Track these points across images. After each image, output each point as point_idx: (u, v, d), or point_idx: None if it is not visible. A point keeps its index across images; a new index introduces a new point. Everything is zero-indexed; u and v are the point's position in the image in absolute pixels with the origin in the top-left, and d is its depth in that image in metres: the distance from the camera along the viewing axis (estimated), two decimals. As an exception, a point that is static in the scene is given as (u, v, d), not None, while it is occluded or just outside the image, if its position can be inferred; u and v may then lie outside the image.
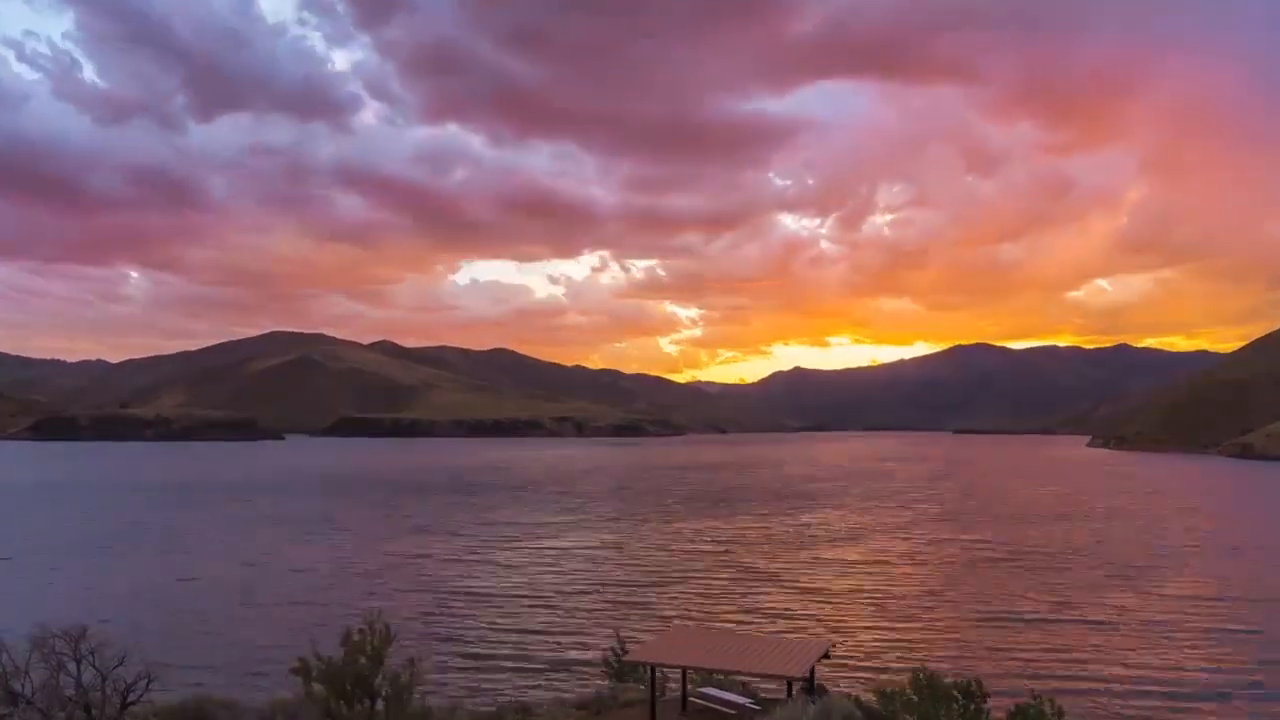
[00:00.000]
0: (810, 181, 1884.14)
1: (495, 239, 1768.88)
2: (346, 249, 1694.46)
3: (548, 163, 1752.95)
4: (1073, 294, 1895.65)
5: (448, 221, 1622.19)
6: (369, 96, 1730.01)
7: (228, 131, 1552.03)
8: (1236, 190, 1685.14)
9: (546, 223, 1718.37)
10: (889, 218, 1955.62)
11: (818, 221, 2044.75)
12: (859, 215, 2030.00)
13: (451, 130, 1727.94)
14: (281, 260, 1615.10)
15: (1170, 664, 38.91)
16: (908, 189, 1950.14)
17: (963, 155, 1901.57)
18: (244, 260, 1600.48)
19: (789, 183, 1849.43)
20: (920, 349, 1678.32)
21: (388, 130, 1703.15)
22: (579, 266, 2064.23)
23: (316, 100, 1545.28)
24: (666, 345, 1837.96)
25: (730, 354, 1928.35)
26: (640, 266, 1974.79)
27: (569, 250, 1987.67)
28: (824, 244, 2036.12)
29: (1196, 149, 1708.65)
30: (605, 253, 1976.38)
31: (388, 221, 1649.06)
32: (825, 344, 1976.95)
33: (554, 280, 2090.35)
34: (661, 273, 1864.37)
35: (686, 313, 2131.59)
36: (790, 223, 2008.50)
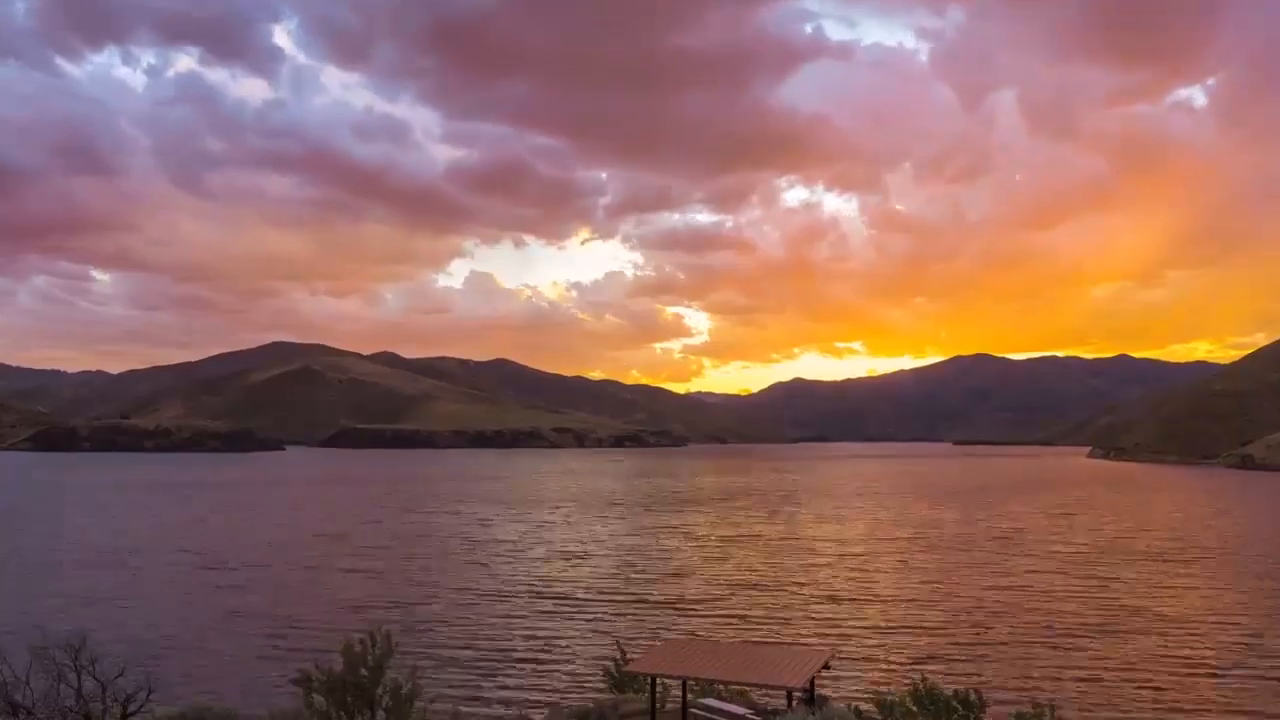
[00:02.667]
0: (827, 144, 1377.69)
1: (473, 223, 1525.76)
2: (312, 239, 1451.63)
3: (514, 129, 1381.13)
4: (1075, 302, 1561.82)
5: (418, 205, 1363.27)
6: (290, 40, 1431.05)
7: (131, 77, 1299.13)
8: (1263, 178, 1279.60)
9: (530, 200, 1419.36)
10: (921, 195, 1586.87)
11: (839, 200, 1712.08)
12: (886, 193, 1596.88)
13: (398, 90, 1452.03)
14: (246, 257, 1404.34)
15: (1174, 674, 38.84)
16: (944, 156, 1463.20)
17: (1019, 107, 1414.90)
18: (202, 254, 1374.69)
19: (801, 147, 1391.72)
20: (921, 360, 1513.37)
21: (320, 87, 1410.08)
22: (575, 265, 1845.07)
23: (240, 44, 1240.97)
24: (667, 352, 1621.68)
25: (734, 364, 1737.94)
26: (641, 262, 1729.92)
27: (559, 234, 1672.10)
28: (844, 226, 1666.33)
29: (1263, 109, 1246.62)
30: (598, 240, 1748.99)
31: (343, 204, 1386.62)
32: (834, 351, 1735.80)
33: (553, 281, 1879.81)
34: (667, 268, 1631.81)
35: (690, 317, 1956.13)
36: (803, 196, 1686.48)
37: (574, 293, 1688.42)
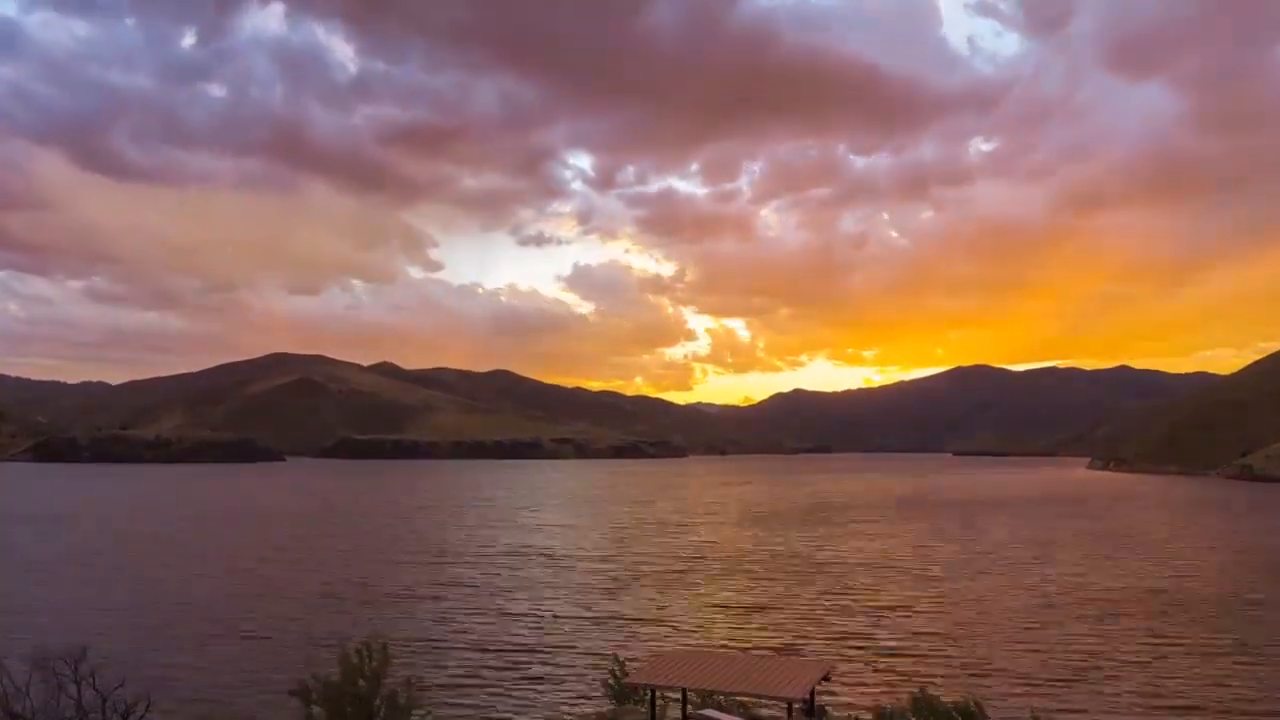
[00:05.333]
0: (846, 91, 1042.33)
1: (434, 203, 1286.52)
2: (262, 225, 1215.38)
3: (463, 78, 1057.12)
4: (1075, 311, 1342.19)
5: (365, 176, 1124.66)
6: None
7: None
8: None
9: (499, 169, 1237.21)
10: (952, 163, 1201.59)
11: (857, 166, 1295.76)
12: (916, 156, 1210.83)
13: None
14: (200, 249, 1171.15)
15: (1176, 687, 38.76)
16: (990, 103, 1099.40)
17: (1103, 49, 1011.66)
18: (148, 246, 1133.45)
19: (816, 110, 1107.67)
20: (920, 371, 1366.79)
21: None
22: (562, 257, 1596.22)
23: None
24: (667, 358, 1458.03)
25: (735, 375, 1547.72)
26: (633, 252, 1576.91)
27: (540, 216, 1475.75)
28: (860, 207, 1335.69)
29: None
30: (581, 227, 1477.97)
31: (283, 178, 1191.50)
32: (838, 360, 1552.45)
33: (554, 283, 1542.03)
34: (663, 260, 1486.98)
35: (691, 320, 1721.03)
36: (815, 162, 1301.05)
37: (568, 293, 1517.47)
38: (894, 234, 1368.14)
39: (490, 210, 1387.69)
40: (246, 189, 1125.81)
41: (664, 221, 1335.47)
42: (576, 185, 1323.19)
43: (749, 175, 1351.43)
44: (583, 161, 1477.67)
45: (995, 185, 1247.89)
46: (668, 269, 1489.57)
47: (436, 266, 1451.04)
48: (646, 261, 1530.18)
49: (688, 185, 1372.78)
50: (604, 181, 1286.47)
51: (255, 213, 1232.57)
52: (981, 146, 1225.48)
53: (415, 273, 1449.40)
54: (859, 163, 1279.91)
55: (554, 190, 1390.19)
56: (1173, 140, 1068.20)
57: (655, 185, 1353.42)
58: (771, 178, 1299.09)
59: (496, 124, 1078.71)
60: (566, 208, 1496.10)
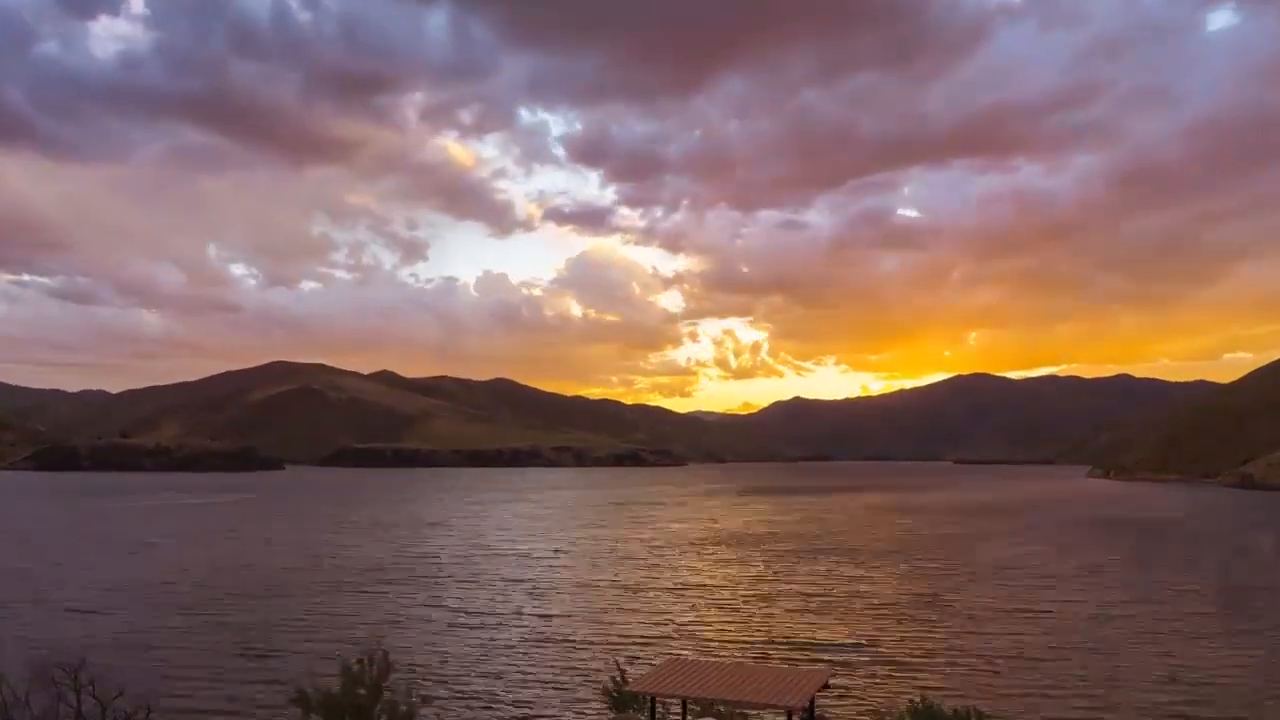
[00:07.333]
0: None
1: (417, 178, 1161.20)
2: (218, 212, 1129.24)
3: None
4: (1074, 319, 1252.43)
5: (311, 144, 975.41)
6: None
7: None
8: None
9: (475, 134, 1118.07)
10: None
11: (870, 125, 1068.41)
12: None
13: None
14: (166, 240, 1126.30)
15: (1177, 699, 38.70)
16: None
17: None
18: (107, 236, 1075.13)
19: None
20: (920, 379, 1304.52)
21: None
22: (552, 247, 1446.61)
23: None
24: (670, 368, 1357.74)
25: (734, 381, 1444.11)
26: (641, 251, 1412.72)
27: (528, 191, 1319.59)
28: (878, 189, 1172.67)
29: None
30: (570, 209, 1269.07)
31: (223, 150, 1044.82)
32: (839, 368, 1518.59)
33: (548, 278, 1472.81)
34: (663, 251, 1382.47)
35: (688, 324, 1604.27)
36: (820, 110, 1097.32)
37: (564, 291, 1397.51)
38: (914, 213, 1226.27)
39: (468, 189, 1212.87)
40: (189, 159, 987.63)
41: (659, 203, 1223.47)
42: (558, 152, 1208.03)
43: (752, 144, 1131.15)
44: (560, 127, 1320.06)
45: (1034, 149, 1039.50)
46: (667, 262, 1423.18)
47: (418, 255, 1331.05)
48: (645, 255, 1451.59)
49: (681, 152, 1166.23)
50: (589, 156, 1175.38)
51: (208, 192, 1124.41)
52: (1026, 98, 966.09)
53: (394, 263, 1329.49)
54: (877, 124, 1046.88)
55: (536, 158, 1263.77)
56: (1258, 93, 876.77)
57: (646, 156, 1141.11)
58: (777, 143, 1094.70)
59: (456, 77, 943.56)
60: (551, 186, 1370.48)
